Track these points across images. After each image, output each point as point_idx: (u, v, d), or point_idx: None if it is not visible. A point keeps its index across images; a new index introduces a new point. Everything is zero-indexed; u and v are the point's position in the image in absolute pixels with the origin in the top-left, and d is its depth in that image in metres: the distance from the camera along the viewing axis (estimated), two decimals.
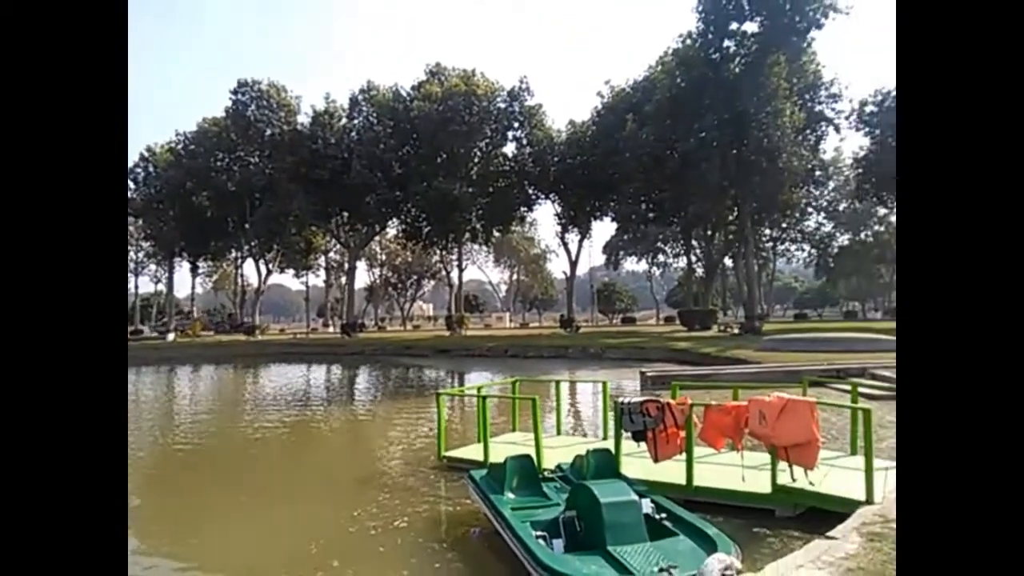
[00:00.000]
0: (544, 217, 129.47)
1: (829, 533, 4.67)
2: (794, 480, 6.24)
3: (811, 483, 6.20)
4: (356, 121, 46.29)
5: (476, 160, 44.86)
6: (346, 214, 49.42)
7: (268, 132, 46.01)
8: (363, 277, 79.42)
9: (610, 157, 38.27)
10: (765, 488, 6.40)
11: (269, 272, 58.63)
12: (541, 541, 5.05)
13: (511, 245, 72.13)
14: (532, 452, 7.21)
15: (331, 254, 67.09)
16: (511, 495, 6.10)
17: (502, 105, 43.42)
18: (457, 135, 40.83)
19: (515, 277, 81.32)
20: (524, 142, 44.76)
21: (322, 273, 69.47)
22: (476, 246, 60.15)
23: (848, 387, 9.97)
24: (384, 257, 75.21)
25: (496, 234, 51.90)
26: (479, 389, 9.93)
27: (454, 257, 52.18)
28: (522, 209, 48.33)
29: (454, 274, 53.62)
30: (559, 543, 5.15)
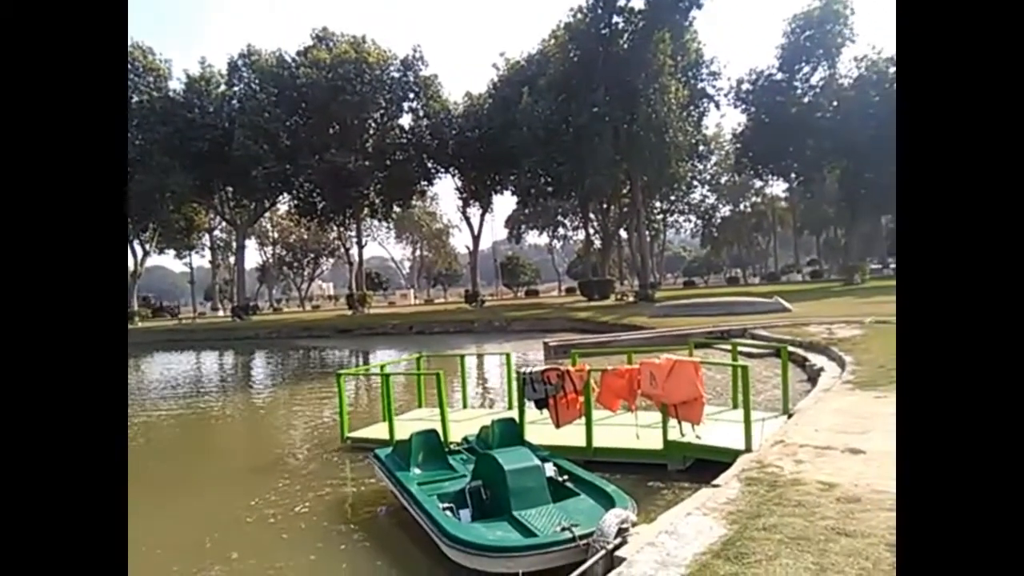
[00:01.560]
0: (445, 191, 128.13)
1: (714, 481, 5.07)
2: (683, 435, 6.71)
3: (698, 437, 6.69)
4: (237, 88, 43.02)
5: (371, 132, 43.25)
6: (230, 189, 46.17)
7: (135, 99, 41.67)
8: (254, 256, 74.97)
9: (508, 131, 38.34)
10: (657, 444, 6.83)
11: (146, 253, 53.83)
12: (448, 513, 5.12)
13: (413, 220, 70.86)
14: (438, 427, 7.23)
15: (217, 232, 62.65)
16: (417, 470, 6.09)
17: (396, 74, 42.02)
18: (349, 105, 39.06)
19: (418, 253, 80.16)
20: (421, 114, 43.70)
21: (207, 253, 64.78)
22: (376, 222, 58.54)
23: (729, 347, 10.81)
24: (276, 235, 71.27)
25: (396, 209, 50.71)
26: (382, 367, 9.75)
27: (353, 233, 50.48)
28: (422, 183, 47.41)
29: (354, 251, 51.94)
30: (466, 513, 5.24)
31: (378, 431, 8.61)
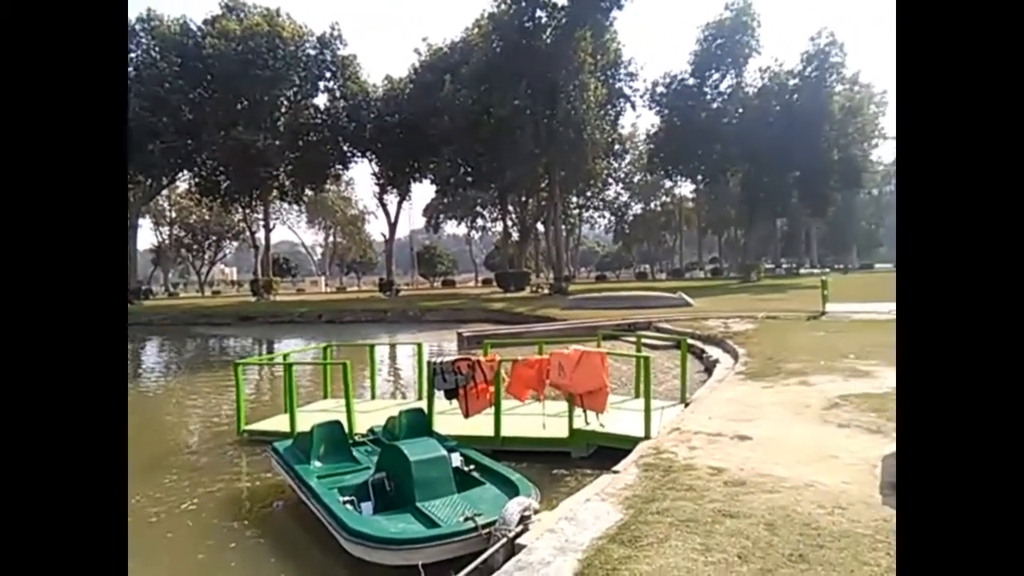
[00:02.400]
0: (361, 176, 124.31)
1: (614, 468, 5.24)
2: (587, 424, 6.89)
3: (602, 425, 6.90)
4: (134, 55, 39.58)
5: (283, 110, 41.16)
6: None
7: None
8: (148, 237, 69.46)
9: (428, 117, 37.78)
10: (563, 433, 6.98)
11: None
12: (349, 506, 4.98)
13: (326, 205, 68.30)
14: (343, 418, 7.01)
15: None
16: (318, 463, 5.88)
17: (312, 52, 40.23)
18: (260, 80, 36.96)
19: (331, 239, 77.41)
20: (337, 95, 42.11)
21: None
22: (286, 205, 56.01)
23: (635, 339, 11.22)
24: (174, 214, 66.45)
25: (308, 192, 48.75)
26: (285, 356, 9.33)
27: (260, 216, 48.03)
28: (337, 167, 45.83)
29: (260, 235, 49.42)
30: (368, 505, 5.12)
31: (278, 423, 8.23)
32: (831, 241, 71.40)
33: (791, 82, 43.29)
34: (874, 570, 3.09)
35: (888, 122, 60.72)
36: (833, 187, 45.18)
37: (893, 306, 18.21)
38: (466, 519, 4.47)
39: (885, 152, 65.35)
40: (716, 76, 44.24)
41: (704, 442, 5.71)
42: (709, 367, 11.86)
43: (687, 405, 7.84)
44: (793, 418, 6.45)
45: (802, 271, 53.97)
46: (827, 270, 51.29)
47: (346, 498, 5.10)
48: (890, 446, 5.12)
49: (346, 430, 6.66)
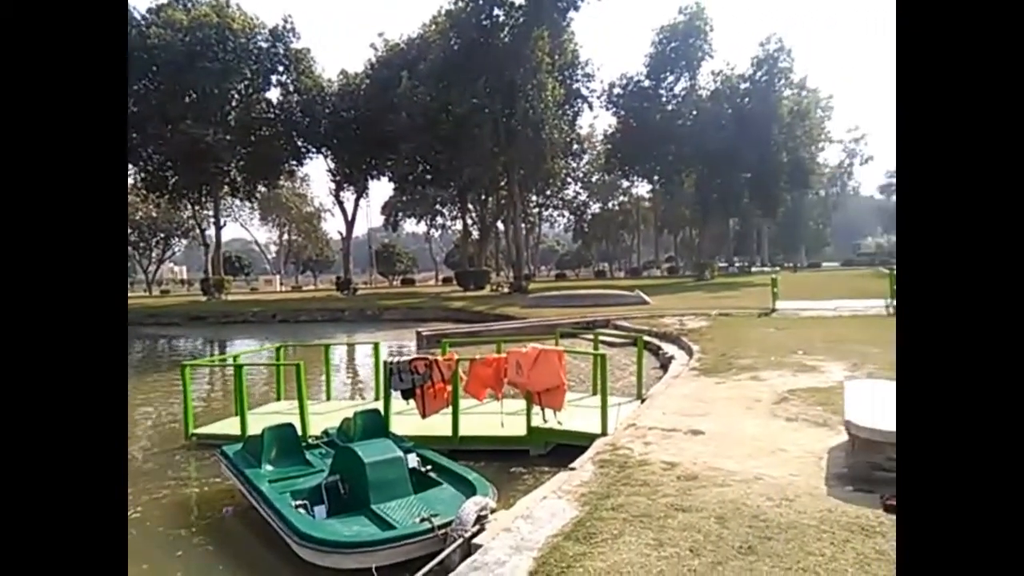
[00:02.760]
0: (317, 173, 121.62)
1: (571, 465, 5.27)
2: (545, 421, 6.93)
3: (559, 422, 6.94)
4: None
5: (233, 104, 39.84)
6: None
7: None
8: None
9: (386, 114, 37.27)
10: (521, 431, 7.00)
11: None
12: (301, 510, 4.87)
13: (280, 202, 66.55)
14: (296, 420, 6.85)
15: None
16: (269, 467, 5.72)
17: (263, 44, 39.10)
18: (209, 73, 35.69)
19: (286, 237, 75.51)
20: (291, 89, 41.09)
21: None
22: (238, 201, 54.32)
23: (592, 336, 11.35)
24: None
25: (261, 189, 47.35)
26: (235, 357, 9.05)
27: (210, 213, 46.42)
28: (291, 162, 44.69)
29: (211, 232, 47.80)
30: (321, 509, 5.02)
31: (229, 426, 7.98)
32: (781, 240, 73.76)
33: (742, 86, 44.47)
34: (819, 559, 3.19)
35: (833, 126, 62.90)
36: (783, 188, 46.65)
37: (839, 303, 18.96)
38: (422, 520, 4.44)
39: (831, 155, 68.06)
40: (671, 78, 45.07)
41: (659, 437, 5.80)
42: (665, 363, 12.09)
43: (643, 401, 7.97)
44: (744, 412, 6.62)
45: (754, 269, 55.59)
46: (777, 268, 53.00)
47: (298, 502, 4.98)
48: (835, 439, 5.31)
49: (299, 432, 6.51)
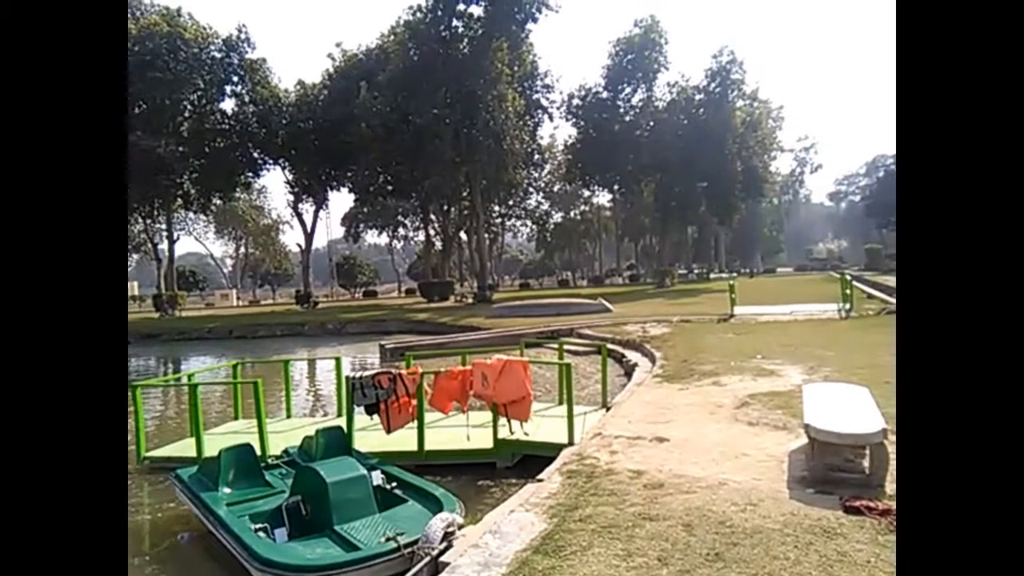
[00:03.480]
0: (275, 184, 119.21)
1: (539, 476, 5.24)
2: (512, 433, 6.89)
3: (526, 433, 6.92)
4: None
5: (186, 115, 38.80)
6: None
7: None
8: None
9: (344, 124, 36.86)
10: (487, 443, 6.94)
11: None
12: (261, 533, 4.70)
13: (236, 214, 64.95)
14: (255, 440, 6.63)
15: None
16: (227, 490, 5.51)
17: (217, 55, 38.21)
18: (160, 83, 34.65)
19: (243, 250, 73.64)
20: (246, 99, 40.20)
21: None
22: (191, 214, 52.78)
23: (557, 346, 11.38)
24: None
25: (217, 201, 46.17)
26: (190, 376, 8.73)
27: (163, 226, 44.93)
28: (247, 174, 43.68)
29: (163, 246, 46.18)
30: (282, 532, 4.86)
31: (183, 448, 7.68)
32: (737, 247, 75.79)
33: (697, 97, 45.63)
34: (783, 563, 3.24)
35: (784, 135, 65.08)
36: (738, 196, 47.91)
37: (794, 307, 19.52)
38: (387, 539, 4.34)
39: (783, 163, 70.37)
40: (628, 90, 45.94)
41: (624, 445, 5.83)
42: (629, 371, 12.20)
43: (608, 409, 8.01)
44: (707, 418, 6.72)
45: (712, 276, 56.86)
46: (734, 274, 54.32)
47: (258, 525, 4.81)
48: (795, 442, 5.43)
49: (258, 453, 6.31)
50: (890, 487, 4.23)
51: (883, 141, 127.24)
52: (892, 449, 4.23)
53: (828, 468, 4.50)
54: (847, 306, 17.85)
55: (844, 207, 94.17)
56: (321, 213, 47.31)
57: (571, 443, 6.44)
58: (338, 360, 10.28)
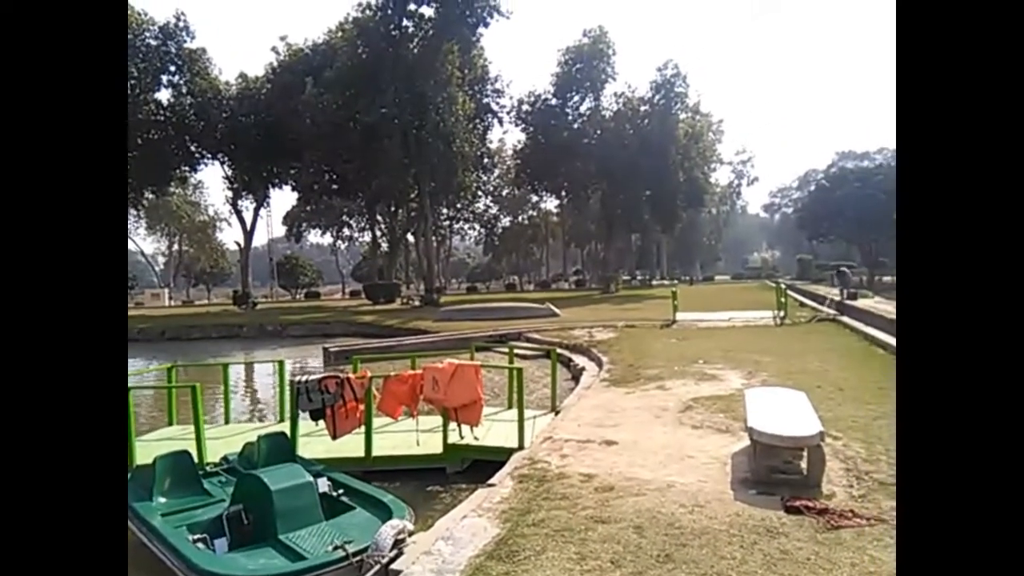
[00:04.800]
0: (213, 180, 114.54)
1: (490, 481, 5.23)
2: (462, 438, 6.85)
3: (476, 438, 6.89)
4: None
5: None
6: None
7: None
8: None
9: (289, 120, 35.85)
10: (437, 449, 6.87)
11: None
12: (200, 544, 4.48)
13: (170, 210, 61.94)
14: (192, 447, 6.33)
15: None
16: (162, 499, 5.24)
17: (153, 42, 36.43)
18: None
19: (176, 248, 70.26)
20: (184, 90, 38.48)
21: None
22: None
23: (507, 350, 11.40)
24: None
25: (149, 196, 43.95)
26: None
27: None
28: (183, 168, 41.80)
29: None
30: (222, 542, 4.65)
31: None
32: (678, 255, 78.20)
33: (642, 108, 46.89)
34: (730, 563, 3.35)
35: (724, 148, 67.53)
36: (680, 205, 49.48)
37: (732, 314, 20.28)
38: (335, 548, 4.23)
39: (722, 175, 73.13)
40: (576, 98, 46.72)
41: (575, 449, 5.89)
42: (576, 375, 12.36)
43: (558, 413, 8.08)
44: (653, 421, 6.88)
45: (654, 282, 58.42)
46: (676, 281, 56.04)
47: (196, 536, 4.59)
48: (738, 444, 5.63)
49: (195, 460, 6.02)
50: (826, 487, 4.45)
51: (814, 157, 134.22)
52: (827, 451, 4.45)
53: (769, 469, 4.69)
54: (781, 313, 18.70)
55: (778, 219, 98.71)
56: (262, 211, 45.83)
57: (522, 447, 6.46)
58: (281, 363, 9.96)
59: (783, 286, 22.35)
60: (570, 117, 46.68)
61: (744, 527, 3.81)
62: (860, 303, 18.86)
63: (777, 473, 4.66)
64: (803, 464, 4.67)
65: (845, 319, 16.92)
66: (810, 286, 34.40)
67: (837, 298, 20.76)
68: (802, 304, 24.10)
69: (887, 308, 16.45)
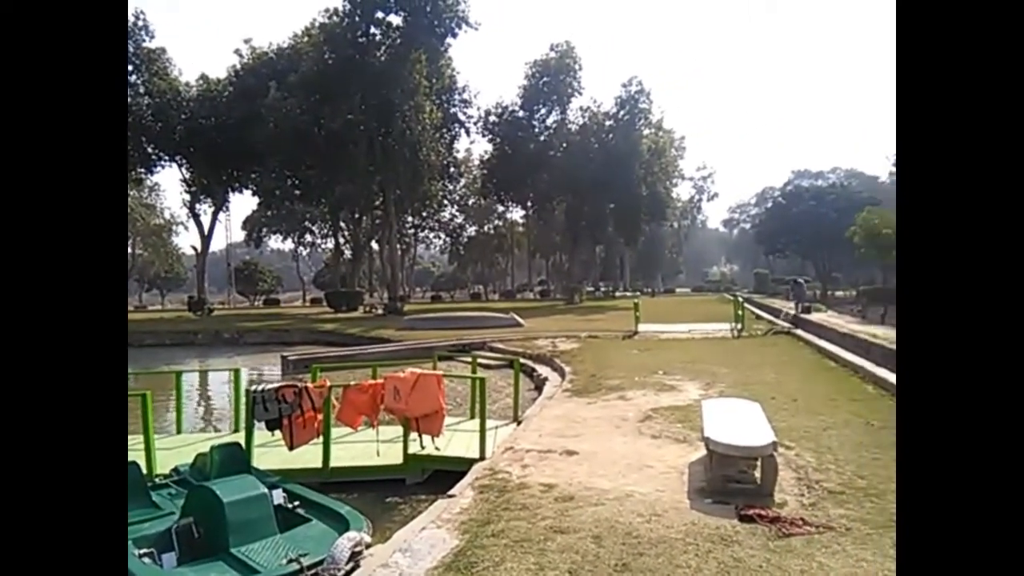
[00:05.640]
0: (170, 183, 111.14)
1: (450, 491, 5.19)
2: (423, 448, 6.78)
3: (437, 448, 6.84)
4: None
5: None
6: None
7: None
8: None
9: (251, 124, 35.19)
10: (397, 459, 6.78)
11: None
12: (147, 559, 4.32)
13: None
14: (141, 458, 6.10)
15: None
16: None
17: None
18: None
19: (130, 251, 67.82)
20: (142, 90, 37.45)
21: None
22: None
23: (470, 359, 11.37)
24: None
25: None
26: None
27: None
28: (139, 170, 40.55)
29: None
30: (170, 557, 4.49)
31: None
32: (641, 267, 79.44)
33: (607, 123, 47.76)
34: (686, 571, 3.40)
35: (686, 164, 69.08)
36: (643, 219, 50.40)
37: (691, 326, 20.69)
38: (289, 561, 4.14)
39: (683, 190, 74.87)
40: (543, 111, 47.32)
41: (536, 459, 5.90)
42: (539, 385, 12.39)
43: (520, 423, 8.08)
44: (613, 431, 6.95)
45: (618, 294, 59.12)
46: (638, 293, 56.83)
47: (143, 550, 4.42)
48: (695, 454, 5.74)
49: (144, 471, 5.80)
50: (778, 496, 4.57)
51: (772, 174, 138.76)
52: (780, 460, 4.58)
53: (725, 479, 4.79)
54: (739, 326, 19.17)
55: (736, 234, 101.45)
56: (221, 215, 44.75)
57: (483, 457, 6.43)
58: (236, 372, 9.73)
59: (741, 299, 22.93)
60: (537, 129, 47.20)
61: (699, 536, 3.88)
62: (814, 316, 19.51)
63: (732, 482, 4.77)
64: (757, 473, 4.78)
65: (800, 332, 17.45)
66: (767, 299, 35.39)
67: (792, 312, 21.43)
68: (759, 317, 24.76)
69: (839, 322, 17.06)
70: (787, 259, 58.72)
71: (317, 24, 36.34)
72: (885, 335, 14.10)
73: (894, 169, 78.51)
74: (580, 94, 47.25)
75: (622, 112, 47.33)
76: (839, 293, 40.47)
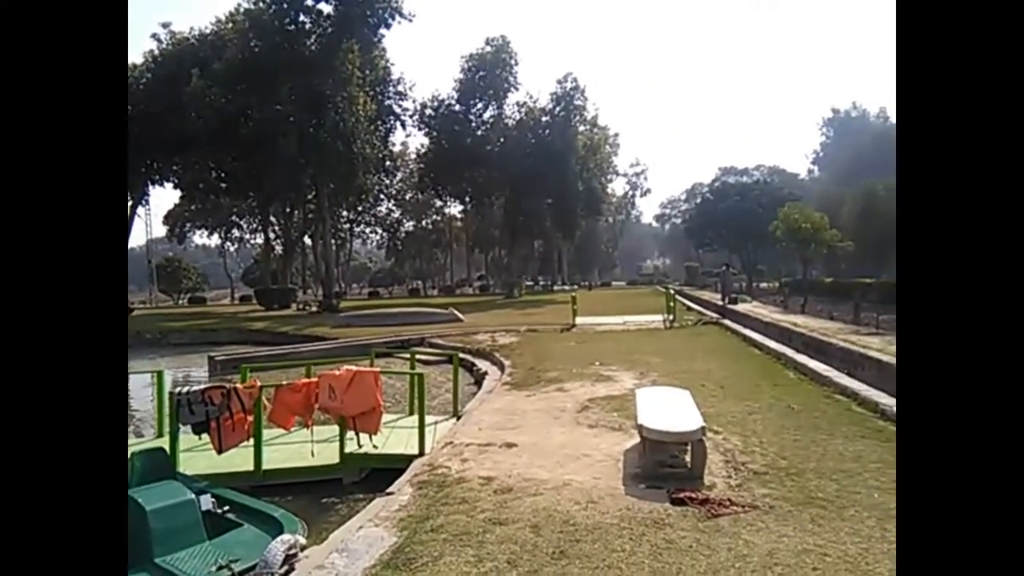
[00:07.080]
0: None
1: (389, 489, 5.13)
2: (360, 446, 6.66)
3: (375, 446, 6.73)
4: None
5: None
6: None
7: None
8: None
9: (172, 113, 33.29)
10: (334, 459, 6.64)
11: None
12: None
13: None
14: None
15: None
16: None
17: None
18: None
19: None
20: None
21: None
22: None
23: (409, 355, 11.25)
24: None
25: None
26: None
27: None
28: None
29: None
30: None
31: None
32: (578, 261, 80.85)
33: (543, 118, 48.21)
34: (620, 555, 3.51)
35: (620, 160, 70.74)
36: (580, 214, 51.29)
37: (626, 318, 21.25)
38: (219, 568, 4.00)
39: (618, 186, 76.64)
40: (480, 105, 47.22)
41: (475, 453, 5.92)
42: (479, 379, 12.40)
43: (459, 418, 8.07)
44: (552, 422, 7.06)
45: (556, 288, 59.93)
46: (575, 287, 57.77)
47: None
48: (630, 441, 5.91)
49: None
50: (708, 478, 4.78)
51: (700, 171, 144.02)
52: (709, 444, 4.79)
53: (657, 464, 4.96)
54: (671, 317, 19.84)
55: (668, 228, 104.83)
56: (140, 209, 42.16)
57: (422, 453, 6.39)
58: (160, 374, 9.23)
59: (672, 291, 23.74)
60: (474, 124, 47.05)
61: (634, 520, 4.00)
62: (740, 307, 20.48)
63: (664, 467, 4.94)
64: (688, 458, 4.98)
65: (727, 322, 18.26)
66: (697, 291, 36.81)
67: (720, 303, 22.39)
68: (689, 308, 25.71)
69: (763, 312, 17.99)
70: (715, 252, 61.26)
71: (242, 9, 34.77)
72: (805, 324, 14.94)
73: (812, 167, 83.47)
74: (516, 89, 47.51)
75: (558, 108, 47.90)
76: (763, 285, 42.59)
